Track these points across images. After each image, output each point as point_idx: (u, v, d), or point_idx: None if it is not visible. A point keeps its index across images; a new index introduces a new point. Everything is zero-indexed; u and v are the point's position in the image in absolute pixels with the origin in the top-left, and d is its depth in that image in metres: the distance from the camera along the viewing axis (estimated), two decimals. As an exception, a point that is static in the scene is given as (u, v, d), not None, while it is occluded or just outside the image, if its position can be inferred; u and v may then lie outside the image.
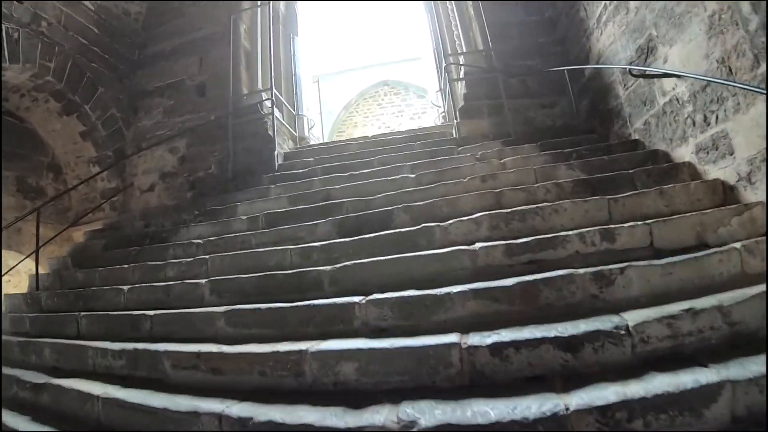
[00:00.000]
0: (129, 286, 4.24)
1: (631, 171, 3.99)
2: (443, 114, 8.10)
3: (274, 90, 7.27)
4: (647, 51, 4.75)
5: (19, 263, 6.28)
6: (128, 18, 8.46)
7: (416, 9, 9.92)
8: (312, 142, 8.52)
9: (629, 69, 4.74)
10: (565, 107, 6.52)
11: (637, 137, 5.05)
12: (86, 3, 7.47)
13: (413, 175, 4.98)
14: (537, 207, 3.54)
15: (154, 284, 4.15)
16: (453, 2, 7.38)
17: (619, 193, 3.54)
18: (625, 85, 5.27)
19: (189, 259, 4.42)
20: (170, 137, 7.60)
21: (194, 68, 8.01)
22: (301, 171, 6.30)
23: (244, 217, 5.14)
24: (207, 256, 4.31)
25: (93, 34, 7.67)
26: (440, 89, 8.08)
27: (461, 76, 6.86)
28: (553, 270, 2.72)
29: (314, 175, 6.04)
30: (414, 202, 4.15)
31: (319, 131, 10.35)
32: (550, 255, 2.99)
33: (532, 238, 3.08)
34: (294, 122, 8.22)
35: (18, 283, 6.97)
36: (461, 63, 6.89)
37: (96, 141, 7.87)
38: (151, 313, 3.60)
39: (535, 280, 2.65)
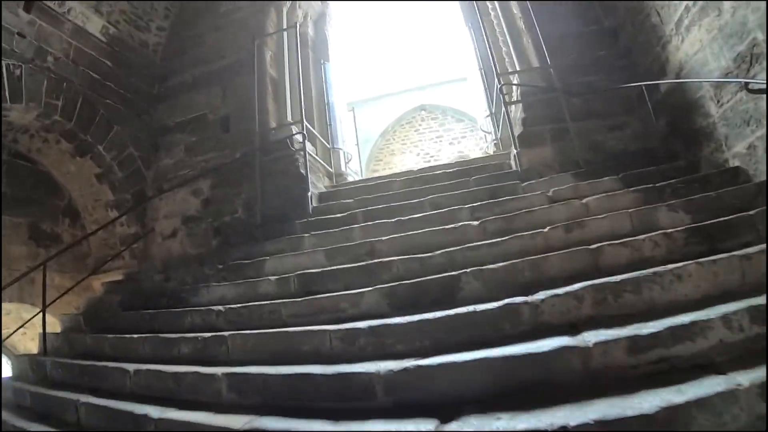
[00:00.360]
0: (136, 367, 3.48)
1: (752, 213, 3.08)
2: (495, 141, 7.19)
3: (305, 122, 6.52)
4: (750, 59, 3.82)
5: (30, 320, 5.74)
6: (146, 49, 7.88)
7: (456, 27, 9.00)
8: (350, 179, 7.70)
9: (745, 83, 3.79)
10: (637, 129, 5.56)
11: (737, 164, 4.12)
12: (98, 35, 6.90)
13: (476, 223, 4.08)
14: (653, 273, 2.64)
15: (164, 370, 3.35)
16: (501, 16, 6.54)
17: (745, 244, 2.81)
18: (718, 101, 4.34)
19: (207, 335, 3.59)
20: (193, 178, 6.93)
21: (217, 100, 7.36)
22: (339, 216, 5.47)
23: (273, 278, 4.31)
24: (227, 334, 3.49)
25: (106, 68, 7.09)
26: (490, 113, 7.19)
27: (516, 98, 5.97)
28: (689, 369, 2.05)
29: (354, 221, 5.21)
30: (484, 264, 3.24)
31: (356, 165, 9.53)
32: (687, 349, 2.15)
33: (663, 326, 2.20)
34: (329, 157, 7.43)
35: (34, 336, 6.39)
36: (515, 83, 6.00)
37: (112, 183, 7.25)
38: (155, 414, 2.86)
39: (686, 403, 1.78)
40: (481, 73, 7.35)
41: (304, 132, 6.34)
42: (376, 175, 16.61)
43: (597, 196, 4.07)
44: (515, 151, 5.45)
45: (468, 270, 3.20)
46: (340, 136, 7.70)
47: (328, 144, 7.47)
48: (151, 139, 7.71)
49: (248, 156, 6.52)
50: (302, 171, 6.18)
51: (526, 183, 4.92)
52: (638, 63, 5.69)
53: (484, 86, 7.33)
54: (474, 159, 7.04)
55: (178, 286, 5.15)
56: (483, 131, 7.94)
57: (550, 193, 4.40)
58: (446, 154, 16.97)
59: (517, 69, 6.09)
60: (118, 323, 4.64)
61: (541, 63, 5.82)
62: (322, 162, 7.09)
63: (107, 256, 7.06)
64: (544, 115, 5.59)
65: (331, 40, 8.34)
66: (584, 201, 4.02)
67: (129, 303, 5.04)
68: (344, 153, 7.74)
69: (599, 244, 3.14)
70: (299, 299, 3.72)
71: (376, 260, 4.03)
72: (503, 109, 5.85)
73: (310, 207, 5.91)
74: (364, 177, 9.61)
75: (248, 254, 5.32)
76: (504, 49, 6.51)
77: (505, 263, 3.21)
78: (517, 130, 5.68)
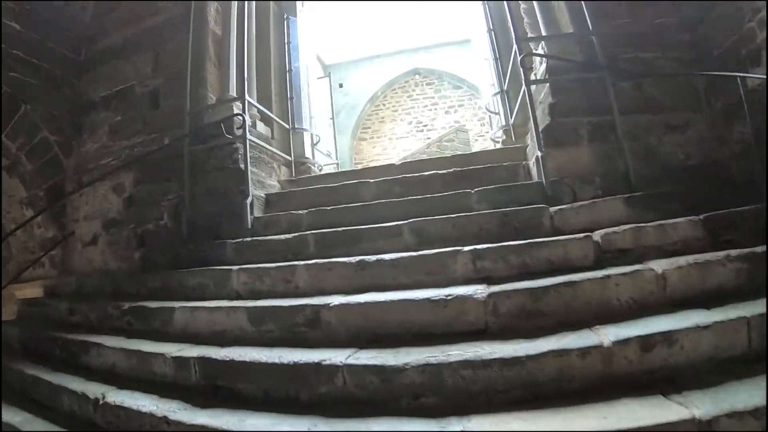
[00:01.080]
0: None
1: None
2: (504, 128, 5.45)
3: (248, 98, 4.75)
4: None
5: None
6: (71, 7, 6.06)
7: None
8: (316, 168, 6.00)
9: None
10: (702, 132, 3.92)
11: None
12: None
13: (480, 293, 2.44)
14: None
15: None
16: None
17: None
18: None
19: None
20: (114, 170, 5.24)
21: (147, 68, 5.60)
22: (283, 238, 3.82)
23: (171, 355, 2.77)
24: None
25: (14, 32, 5.35)
26: (501, 91, 5.43)
27: (543, 75, 4.28)
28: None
29: (302, 250, 3.63)
30: (493, 403, 1.81)
31: (329, 143, 7.80)
32: None
33: None
34: (289, 140, 5.77)
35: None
36: (541, 53, 4.29)
37: (22, 177, 5.59)
38: None
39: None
40: (491, 37, 5.60)
41: (245, 111, 4.60)
42: (359, 156, 14.95)
43: (679, 261, 2.47)
44: (538, 152, 3.76)
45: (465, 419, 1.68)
46: (306, 112, 5.96)
47: (287, 124, 5.75)
48: (72, 117, 5.99)
49: (178, 143, 4.84)
50: (241, 165, 4.51)
51: (556, 208, 3.30)
52: (712, 39, 4.01)
53: (494, 54, 5.57)
54: (477, 155, 5.34)
55: (76, 328, 3.86)
56: (489, 111, 6.21)
57: (597, 238, 2.79)
58: (441, 123, 15.28)
59: (543, 34, 4.37)
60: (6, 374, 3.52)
61: (578, 27, 4.12)
62: (277, 151, 5.40)
63: (28, 262, 5.54)
64: (580, 102, 3.92)
65: (300, -10, 6.51)
66: (659, 270, 2.43)
67: (24, 344, 4.02)
68: (311, 135, 6.04)
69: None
70: (197, 407, 2.26)
71: (317, 336, 2.54)
72: (523, 89, 4.14)
73: (249, 219, 4.27)
74: (337, 161, 7.92)
75: (165, 285, 3.89)
76: (523, 5, 4.78)
77: (531, 413, 1.68)
78: (542, 120, 4.01)
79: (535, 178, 3.95)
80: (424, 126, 15.53)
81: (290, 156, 5.56)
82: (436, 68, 15.15)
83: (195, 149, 4.76)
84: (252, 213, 4.33)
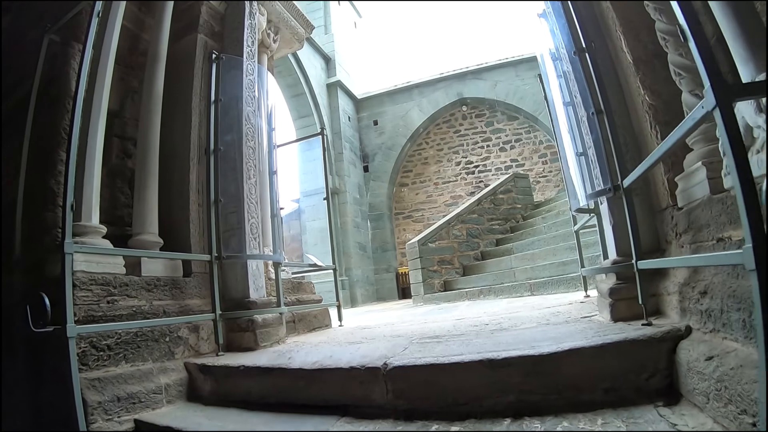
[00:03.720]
0: None
1: None
2: (619, 265, 2.49)
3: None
4: None
5: None
6: None
7: None
8: (270, 322, 3.27)
9: None
10: None
11: None
12: None
13: None
14: None
15: None
16: None
17: None
18: None
19: None
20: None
21: None
22: None
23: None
24: None
25: None
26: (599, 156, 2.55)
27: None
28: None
29: None
30: None
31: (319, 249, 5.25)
32: None
33: None
34: (214, 275, 3.16)
35: None
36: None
37: None
38: None
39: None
40: (560, 55, 2.89)
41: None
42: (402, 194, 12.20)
43: None
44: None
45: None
46: (257, 213, 3.44)
47: (209, 251, 3.08)
48: None
49: None
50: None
51: None
52: None
53: (586, 80, 2.84)
54: (555, 361, 2.17)
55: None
56: (578, 212, 3.54)
57: None
58: (495, 163, 12.65)
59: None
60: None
61: None
62: (167, 303, 2.90)
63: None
64: None
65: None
66: None
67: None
68: (280, 254, 3.47)
69: None
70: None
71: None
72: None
73: None
74: (337, 271, 5.32)
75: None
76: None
77: None
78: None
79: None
80: (475, 167, 12.94)
81: (214, 308, 2.99)
82: (486, 96, 12.54)
83: None
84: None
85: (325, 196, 4.94)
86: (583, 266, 4.04)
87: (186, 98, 3.29)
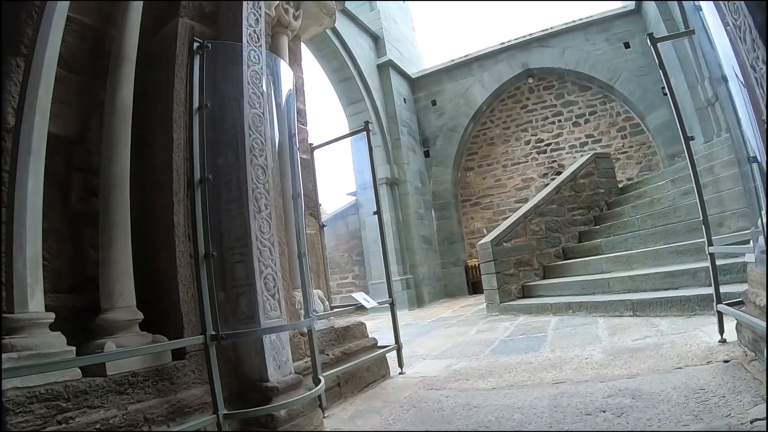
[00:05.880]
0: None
1: None
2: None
3: None
4: None
5: None
6: None
7: None
8: None
9: None
10: None
11: None
12: None
13: None
14: None
15: None
16: None
17: None
18: None
19: None
20: None
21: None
22: None
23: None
24: None
25: None
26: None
27: None
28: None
29: None
30: None
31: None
32: None
33: None
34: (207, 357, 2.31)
35: None
36: None
37: None
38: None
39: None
40: None
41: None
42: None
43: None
44: None
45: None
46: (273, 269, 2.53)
47: (205, 329, 2.26)
48: None
49: None
50: None
51: None
52: None
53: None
54: None
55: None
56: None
57: None
58: (569, 140, 11.28)
59: None
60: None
61: None
62: None
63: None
64: None
65: None
66: None
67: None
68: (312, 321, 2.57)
69: None
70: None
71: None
72: None
73: None
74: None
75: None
76: None
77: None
78: None
79: None
80: (547, 145, 11.61)
81: (216, 407, 2.05)
82: (554, 65, 11.12)
83: None
84: None
85: (375, 210, 3.97)
86: (719, 301, 2.91)
87: (166, 108, 2.40)
